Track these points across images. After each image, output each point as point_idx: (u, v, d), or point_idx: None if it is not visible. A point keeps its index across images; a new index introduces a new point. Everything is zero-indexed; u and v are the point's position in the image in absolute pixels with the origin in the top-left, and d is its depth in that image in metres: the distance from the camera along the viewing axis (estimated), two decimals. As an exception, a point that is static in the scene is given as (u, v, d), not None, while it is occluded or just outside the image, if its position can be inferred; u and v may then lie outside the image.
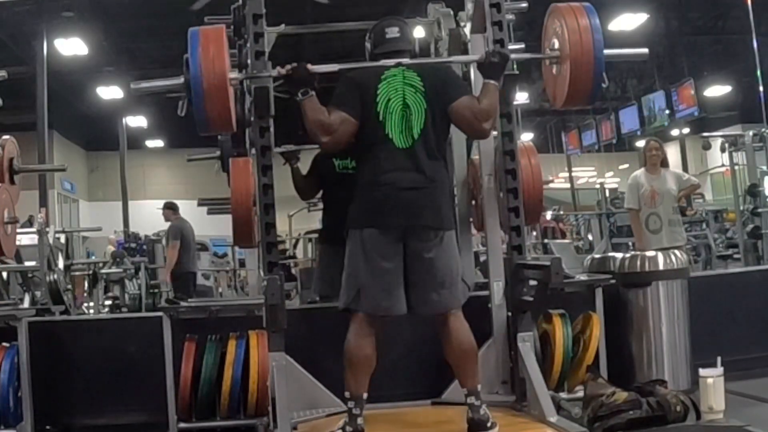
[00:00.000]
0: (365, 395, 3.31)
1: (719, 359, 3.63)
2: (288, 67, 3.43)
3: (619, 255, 4.75)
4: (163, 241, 10.09)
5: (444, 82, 3.49)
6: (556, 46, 3.73)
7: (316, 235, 8.80)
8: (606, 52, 3.66)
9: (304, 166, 4.81)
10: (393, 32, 3.61)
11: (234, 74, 3.53)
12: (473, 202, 4.50)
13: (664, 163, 6.69)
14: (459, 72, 4.61)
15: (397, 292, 3.32)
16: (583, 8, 3.69)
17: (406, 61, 3.50)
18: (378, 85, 3.43)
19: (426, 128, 3.39)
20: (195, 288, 9.54)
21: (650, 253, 4.66)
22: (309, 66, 3.42)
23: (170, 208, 9.64)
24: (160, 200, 10.12)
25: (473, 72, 4.26)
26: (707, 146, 10.16)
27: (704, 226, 11.05)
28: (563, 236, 12.95)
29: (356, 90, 3.43)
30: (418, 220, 3.30)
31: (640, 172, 6.62)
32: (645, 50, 4.16)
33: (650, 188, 6.44)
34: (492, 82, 3.48)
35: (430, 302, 3.34)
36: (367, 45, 3.72)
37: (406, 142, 3.37)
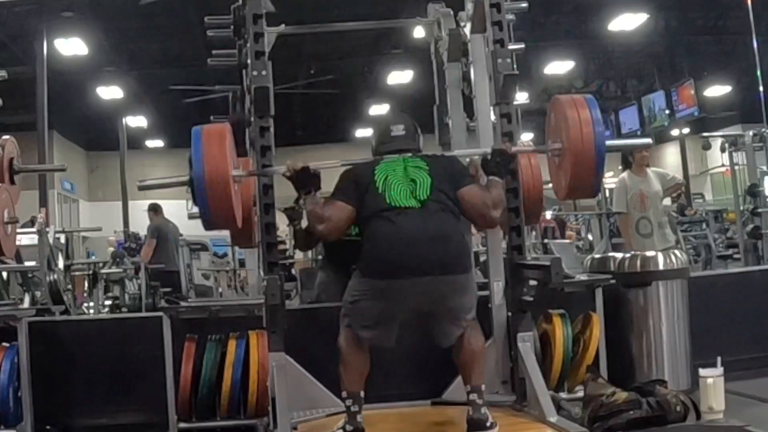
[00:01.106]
0: (362, 393, 3.33)
1: (719, 359, 3.63)
2: (292, 167, 3.47)
3: (619, 255, 4.75)
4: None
5: (452, 169, 3.48)
6: (558, 139, 3.74)
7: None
8: (608, 143, 3.69)
9: None
10: (398, 130, 3.63)
11: (237, 171, 3.56)
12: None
13: (648, 164, 6.64)
14: (459, 71, 4.63)
15: (394, 333, 3.37)
16: (584, 101, 3.68)
17: (409, 155, 3.50)
18: (376, 167, 3.45)
19: (433, 193, 3.34)
20: (179, 284, 9.83)
21: (650, 253, 4.67)
22: (312, 166, 3.49)
23: (153, 210, 10.07)
24: (160, 200, 10.13)
25: (473, 73, 4.27)
26: (707, 146, 10.16)
27: (704, 226, 11.05)
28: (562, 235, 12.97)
29: (353, 179, 3.47)
30: (429, 271, 3.21)
31: (626, 175, 6.49)
32: (649, 140, 4.21)
33: (639, 191, 6.38)
34: (496, 178, 3.52)
35: (451, 336, 3.36)
36: (372, 142, 3.71)
37: (413, 204, 3.32)
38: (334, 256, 4.55)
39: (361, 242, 3.36)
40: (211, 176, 3.38)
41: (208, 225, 3.53)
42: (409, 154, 3.51)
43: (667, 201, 10.13)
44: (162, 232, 9.88)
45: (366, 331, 3.32)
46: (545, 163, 4.08)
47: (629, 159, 6.49)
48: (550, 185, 4.07)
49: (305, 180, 3.48)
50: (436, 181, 3.38)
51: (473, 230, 4.67)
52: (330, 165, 3.65)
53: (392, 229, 3.26)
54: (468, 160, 3.93)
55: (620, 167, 6.86)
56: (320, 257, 6.48)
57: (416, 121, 3.72)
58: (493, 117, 4.04)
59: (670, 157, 21.52)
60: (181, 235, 10.72)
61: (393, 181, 3.37)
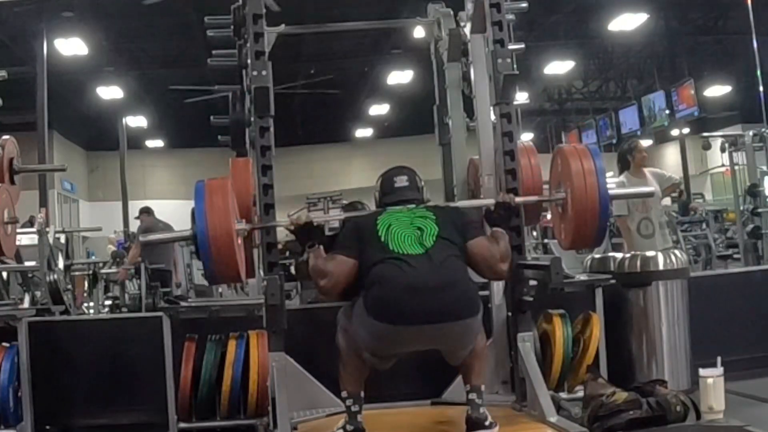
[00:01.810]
0: (362, 393, 3.32)
1: (719, 359, 3.63)
2: (296, 222, 3.47)
3: (619, 255, 4.75)
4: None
5: (459, 220, 3.44)
6: (562, 188, 3.76)
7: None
8: (612, 192, 3.72)
9: None
10: (402, 181, 3.59)
11: (241, 225, 3.58)
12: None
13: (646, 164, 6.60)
14: (459, 71, 4.63)
15: (393, 362, 3.37)
16: (587, 151, 3.72)
17: (413, 206, 3.48)
18: (378, 217, 3.41)
19: (439, 240, 3.29)
20: (170, 283, 9.85)
21: (650, 253, 4.66)
22: (315, 222, 3.48)
23: (144, 212, 10.16)
24: (161, 200, 10.20)
25: (473, 73, 4.27)
26: (707, 146, 10.15)
27: (704, 226, 11.04)
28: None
29: (354, 231, 3.42)
30: (437, 318, 3.14)
31: (624, 177, 6.38)
32: (651, 189, 4.20)
33: None
34: (500, 230, 3.52)
35: (458, 359, 3.34)
36: (375, 195, 3.68)
37: (418, 250, 3.26)
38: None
39: (365, 281, 3.24)
40: (214, 232, 3.40)
41: (212, 280, 3.57)
42: (413, 205, 3.47)
43: (667, 201, 10.13)
44: (149, 232, 9.94)
45: (365, 352, 3.29)
46: (546, 164, 4.08)
47: (628, 159, 6.45)
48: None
49: (308, 234, 3.45)
50: (442, 229, 3.32)
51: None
52: (333, 218, 3.62)
53: (398, 273, 3.17)
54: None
55: (613, 172, 6.80)
56: None
57: (419, 176, 3.68)
58: (493, 117, 4.04)
59: (670, 157, 21.52)
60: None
61: (396, 230, 3.31)
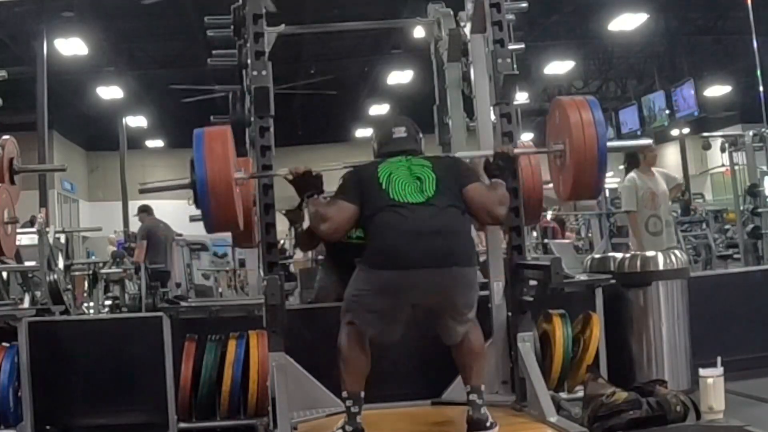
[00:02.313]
0: (362, 393, 3.32)
1: (719, 359, 3.63)
2: (295, 172, 3.51)
3: (619, 255, 4.75)
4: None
5: (456, 168, 3.50)
6: (560, 140, 3.75)
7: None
8: (610, 144, 3.71)
9: None
10: (400, 132, 3.63)
11: (240, 174, 3.57)
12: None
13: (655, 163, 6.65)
14: (459, 71, 4.63)
15: (400, 327, 3.37)
16: (586, 102, 3.70)
17: (411, 156, 3.51)
18: (379, 166, 3.45)
19: (438, 190, 3.34)
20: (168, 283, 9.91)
21: (650, 253, 4.67)
22: (315, 171, 3.51)
23: (144, 211, 10.23)
24: (161, 200, 10.12)
25: (473, 73, 4.27)
26: (707, 146, 10.16)
27: (704, 226, 11.04)
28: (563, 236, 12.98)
29: (356, 179, 3.47)
30: (437, 263, 3.20)
31: (635, 174, 6.50)
32: (649, 141, 4.21)
33: (649, 190, 6.38)
34: (499, 180, 3.54)
35: (454, 334, 3.36)
36: (373, 145, 3.71)
37: (419, 199, 3.31)
38: (336, 259, 4.55)
39: (367, 237, 3.35)
40: (213, 179, 3.38)
41: (210, 228, 3.53)
42: (412, 156, 3.51)
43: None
44: (152, 232, 10.00)
45: (370, 327, 3.30)
46: (545, 164, 4.08)
47: (639, 158, 6.49)
48: (551, 185, 4.08)
49: (307, 183, 3.50)
50: (441, 178, 3.37)
51: (474, 230, 4.68)
52: (332, 167, 3.66)
53: (399, 220, 3.25)
54: (469, 161, 3.93)
55: (622, 166, 6.85)
56: (320, 257, 6.48)
57: (417, 125, 3.72)
58: (493, 117, 4.05)
59: (670, 157, 21.51)
60: (180, 234, 10.75)
61: (397, 179, 3.37)
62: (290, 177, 3.54)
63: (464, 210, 3.38)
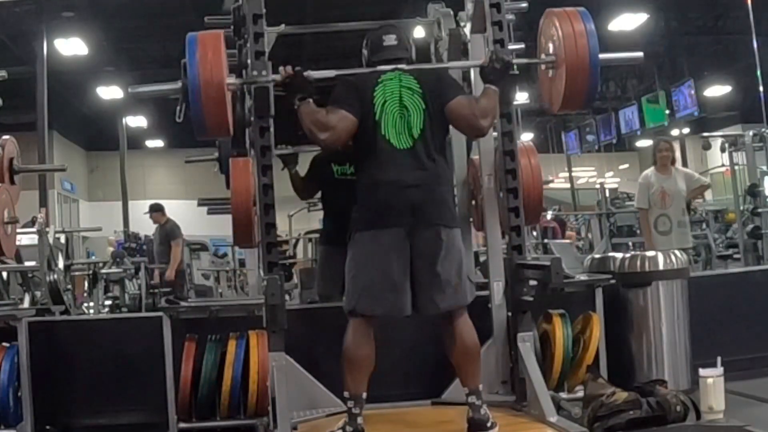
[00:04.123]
0: (364, 395, 3.31)
1: (719, 359, 3.63)
2: (285, 73, 3.46)
3: (619, 255, 4.75)
4: (157, 242, 10.14)
5: (440, 83, 3.50)
6: (552, 50, 3.74)
7: (316, 235, 8.81)
8: (601, 56, 3.66)
9: (303, 167, 4.81)
10: (390, 40, 3.61)
11: (232, 79, 3.54)
12: (473, 202, 4.50)
13: (674, 162, 6.66)
14: (459, 73, 4.63)
15: (403, 291, 3.29)
16: (577, 13, 3.70)
17: (403, 66, 3.51)
18: (375, 87, 3.43)
19: (425, 128, 3.38)
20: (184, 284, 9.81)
21: (650, 253, 4.66)
22: (306, 73, 3.45)
23: (159, 210, 9.87)
24: (161, 200, 10.12)
25: (473, 74, 4.27)
26: (707, 146, 10.15)
27: (704, 226, 11.04)
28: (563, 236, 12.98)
29: (354, 90, 3.43)
30: (422, 218, 3.27)
31: (650, 171, 6.56)
32: (640, 54, 4.17)
33: (661, 189, 6.39)
34: (492, 87, 3.48)
35: (436, 302, 3.31)
36: (364, 52, 3.71)
37: (406, 143, 3.36)
38: (332, 199, 4.57)
39: (356, 190, 3.40)
40: (206, 82, 3.36)
41: (201, 132, 3.49)
42: (404, 66, 3.49)
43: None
44: (180, 230, 9.77)
45: (375, 301, 3.28)
46: (545, 164, 4.08)
47: (653, 157, 6.60)
48: (551, 185, 4.07)
49: (299, 85, 3.43)
50: (428, 107, 3.38)
51: (473, 230, 4.68)
52: (325, 75, 3.60)
53: (383, 174, 3.31)
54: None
55: (612, 172, 6.88)
56: (319, 240, 6.47)
57: (407, 35, 3.73)
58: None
59: (670, 157, 21.50)
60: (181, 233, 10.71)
61: (390, 108, 3.37)
62: (281, 79, 3.49)
63: (446, 151, 3.48)
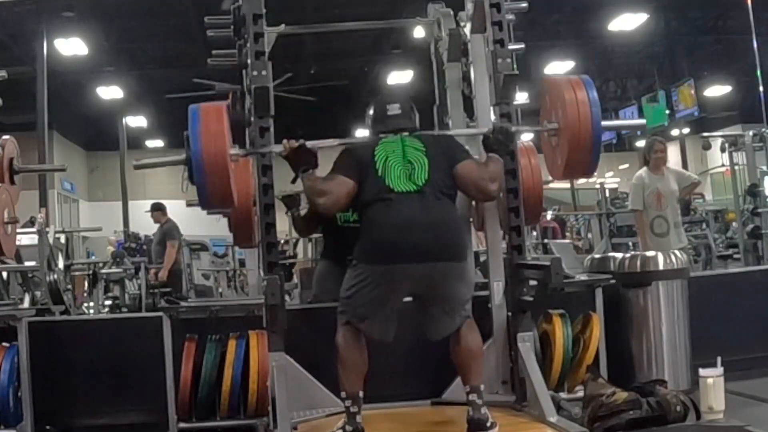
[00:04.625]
0: (361, 393, 3.33)
1: (719, 359, 3.63)
2: (288, 146, 3.50)
3: (619, 255, 4.75)
4: (155, 241, 10.12)
5: (448, 147, 3.52)
6: (554, 119, 3.76)
7: (317, 235, 8.80)
8: (604, 123, 3.71)
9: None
10: (394, 109, 3.63)
11: (235, 150, 3.57)
12: (473, 203, 4.50)
13: (665, 161, 6.63)
14: (459, 71, 4.63)
15: (393, 321, 3.37)
16: (580, 81, 3.72)
17: (406, 134, 3.52)
18: (375, 147, 3.46)
19: (430, 178, 3.36)
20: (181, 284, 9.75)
21: (650, 253, 4.66)
22: (309, 145, 3.50)
23: (160, 209, 9.82)
24: (161, 200, 10.11)
25: (473, 73, 4.27)
26: (707, 146, 10.14)
27: (704, 226, 11.04)
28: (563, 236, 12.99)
29: (353, 157, 3.47)
30: (427, 257, 3.23)
31: (644, 172, 6.46)
32: (642, 121, 4.21)
33: (656, 190, 6.33)
34: (496, 156, 3.54)
35: (444, 329, 3.37)
36: (368, 121, 3.72)
37: (411, 188, 3.33)
38: (334, 244, 4.55)
39: (361, 224, 3.37)
40: (209, 154, 3.37)
41: (205, 204, 3.52)
42: (407, 133, 3.52)
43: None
44: (179, 232, 9.74)
45: (365, 324, 3.32)
46: (545, 166, 4.08)
47: (647, 157, 6.47)
48: (551, 185, 4.08)
49: (302, 158, 3.48)
50: (433, 163, 3.38)
51: (473, 230, 4.68)
52: (327, 144, 3.64)
53: (391, 213, 3.27)
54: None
55: (612, 172, 6.86)
56: (320, 254, 6.48)
57: (411, 100, 3.71)
58: (493, 117, 4.04)
59: (670, 157, 21.51)
60: (180, 234, 10.69)
61: (392, 164, 3.37)
62: (285, 152, 3.52)
63: (455, 195, 3.41)
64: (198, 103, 3.53)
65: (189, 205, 3.69)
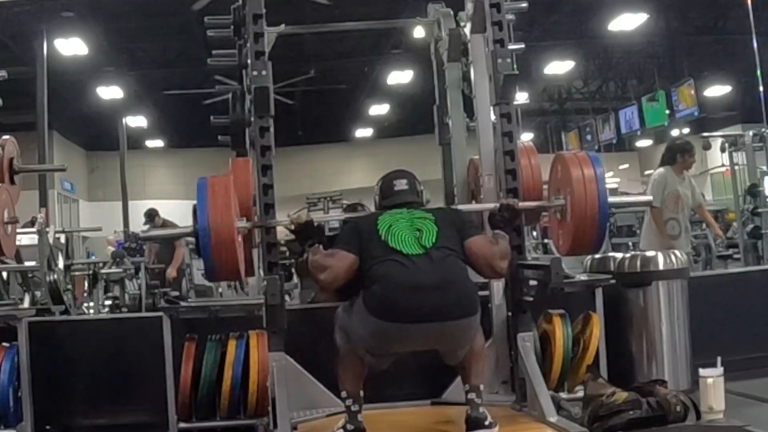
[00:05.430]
0: (361, 393, 3.33)
1: (719, 359, 3.63)
2: (296, 221, 3.53)
3: (619, 255, 4.75)
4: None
5: (458, 220, 3.48)
6: (561, 194, 3.78)
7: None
8: (610, 200, 3.74)
9: None
10: (401, 185, 3.62)
11: (242, 223, 3.59)
12: (473, 202, 4.50)
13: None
14: (459, 71, 4.63)
15: (388, 359, 3.37)
16: (587, 157, 3.75)
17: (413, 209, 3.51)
18: (379, 217, 3.44)
19: (439, 241, 3.31)
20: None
21: (650, 253, 4.66)
22: (316, 221, 3.53)
23: (156, 215, 9.92)
24: (161, 200, 10.13)
25: (473, 73, 4.27)
26: (707, 146, 10.14)
27: (704, 226, 11.03)
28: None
29: (355, 230, 3.44)
30: (435, 317, 3.16)
31: (667, 171, 6.33)
32: (649, 198, 4.22)
33: (676, 192, 6.26)
34: (502, 233, 3.56)
35: (456, 359, 3.36)
36: (375, 198, 3.72)
37: (419, 250, 3.28)
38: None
39: (365, 280, 3.27)
40: (216, 228, 3.42)
41: (212, 276, 3.60)
42: (414, 208, 3.49)
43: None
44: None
45: (362, 356, 3.31)
46: (546, 166, 4.09)
47: (677, 157, 6.32)
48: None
49: (309, 233, 3.49)
50: (441, 229, 3.34)
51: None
52: (333, 218, 3.65)
53: (400, 272, 3.20)
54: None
55: (612, 172, 6.83)
56: None
57: (418, 180, 3.70)
58: (493, 117, 4.05)
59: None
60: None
61: (397, 230, 3.33)
62: (291, 227, 3.55)
63: (464, 259, 3.35)
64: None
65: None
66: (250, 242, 3.86)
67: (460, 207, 3.98)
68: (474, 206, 4.12)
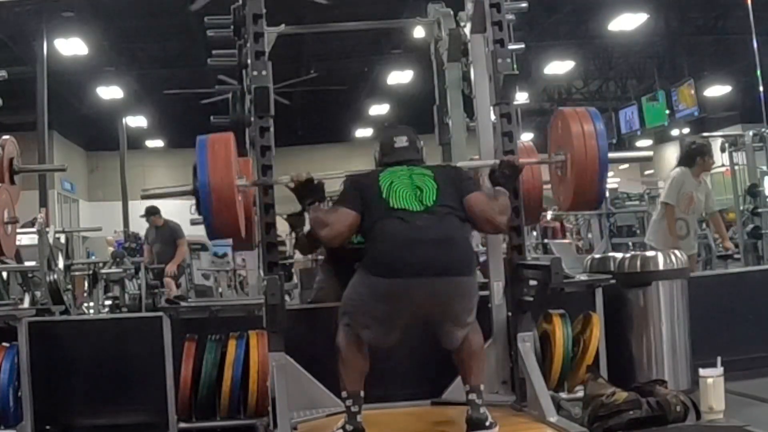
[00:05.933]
0: (362, 393, 3.33)
1: (719, 359, 3.63)
2: (296, 179, 3.53)
3: (619, 255, 4.74)
4: (161, 242, 10.11)
5: (457, 177, 3.51)
6: (562, 151, 3.79)
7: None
8: (611, 155, 3.74)
9: None
10: (401, 141, 3.64)
11: (242, 181, 3.59)
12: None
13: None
14: (459, 71, 4.63)
15: (396, 333, 3.36)
16: (587, 113, 3.74)
17: (414, 166, 3.53)
18: (380, 174, 3.47)
19: (439, 200, 3.35)
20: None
21: (650, 253, 4.66)
22: (316, 178, 3.53)
23: (156, 213, 9.84)
24: (161, 200, 10.09)
25: (473, 73, 4.27)
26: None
27: (704, 226, 11.04)
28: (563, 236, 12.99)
29: (356, 187, 3.48)
30: (436, 272, 3.20)
31: (685, 171, 6.28)
32: (650, 153, 4.22)
33: (691, 193, 6.25)
34: (503, 189, 3.57)
35: (454, 339, 3.36)
36: (375, 154, 3.73)
37: (419, 207, 3.32)
38: (336, 262, 4.54)
39: (366, 241, 3.35)
40: (216, 186, 3.41)
41: (212, 234, 3.57)
42: (414, 165, 3.53)
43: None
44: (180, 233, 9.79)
45: (366, 331, 3.31)
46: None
47: (696, 159, 6.27)
48: (551, 185, 4.09)
49: (309, 191, 3.52)
50: (442, 187, 3.39)
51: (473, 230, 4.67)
52: (334, 175, 3.67)
53: (399, 228, 3.26)
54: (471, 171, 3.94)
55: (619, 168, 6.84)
56: (320, 257, 6.46)
57: (419, 137, 3.72)
58: (493, 117, 4.05)
59: (670, 157, 21.52)
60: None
61: (398, 187, 3.38)
62: (291, 185, 3.56)
63: (464, 217, 3.39)
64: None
65: (194, 224, 3.71)
66: (250, 200, 3.85)
67: (460, 164, 3.97)
68: (475, 162, 4.11)
